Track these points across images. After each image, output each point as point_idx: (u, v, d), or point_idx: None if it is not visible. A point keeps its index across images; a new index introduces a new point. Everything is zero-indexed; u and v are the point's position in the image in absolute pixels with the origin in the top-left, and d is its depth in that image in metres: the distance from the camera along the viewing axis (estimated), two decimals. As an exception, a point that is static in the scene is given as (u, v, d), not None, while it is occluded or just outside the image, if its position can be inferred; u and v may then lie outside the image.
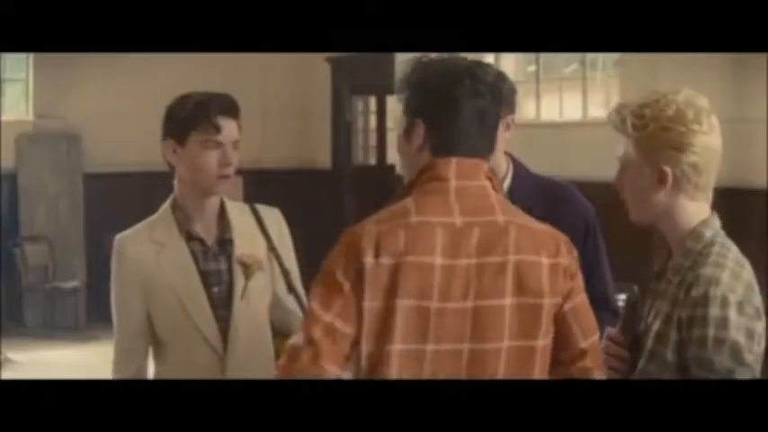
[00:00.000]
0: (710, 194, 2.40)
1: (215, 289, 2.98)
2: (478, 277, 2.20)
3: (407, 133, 2.31)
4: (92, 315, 10.72)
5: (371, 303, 2.18)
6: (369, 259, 2.18)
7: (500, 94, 2.36)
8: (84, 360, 9.38)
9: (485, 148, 2.31)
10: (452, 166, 2.26)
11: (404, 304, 2.17)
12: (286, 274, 3.02)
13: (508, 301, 2.21)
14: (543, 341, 2.24)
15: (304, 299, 3.00)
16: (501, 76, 2.46)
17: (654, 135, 2.34)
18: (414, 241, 2.19)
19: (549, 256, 2.25)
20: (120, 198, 10.70)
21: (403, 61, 2.38)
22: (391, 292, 2.18)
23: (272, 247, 3.02)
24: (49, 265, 11.13)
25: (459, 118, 2.27)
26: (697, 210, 2.38)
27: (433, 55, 2.35)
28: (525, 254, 2.23)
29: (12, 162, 11.02)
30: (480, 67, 2.31)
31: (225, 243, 3.00)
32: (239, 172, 3.00)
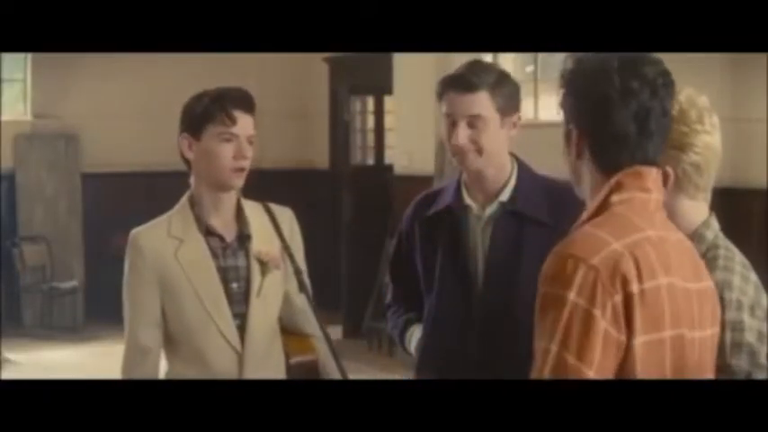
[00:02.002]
0: (709, 194, 2.39)
1: (233, 285, 2.99)
2: (699, 304, 2.01)
3: (565, 139, 2.12)
4: (90, 315, 10.71)
5: (642, 339, 1.89)
6: (635, 287, 1.88)
7: (666, 90, 2.05)
8: (82, 360, 9.38)
9: (655, 155, 2.04)
10: (653, 176, 2.03)
11: (669, 335, 1.92)
12: (298, 272, 3.03)
13: (708, 332, 2.04)
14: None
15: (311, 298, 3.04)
16: (663, 71, 2.09)
17: None
18: (664, 260, 1.94)
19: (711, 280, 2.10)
20: (119, 198, 10.70)
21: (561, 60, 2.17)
22: (659, 322, 1.91)
23: (285, 246, 3.04)
24: (47, 265, 11.11)
25: (612, 122, 2.01)
26: (696, 209, 2.37)
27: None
28: (711, 279, 2.07)
29: (10, 162, 11.02)
30: (636, 62, 2.05)
31: (243, 239, 3.01)
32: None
